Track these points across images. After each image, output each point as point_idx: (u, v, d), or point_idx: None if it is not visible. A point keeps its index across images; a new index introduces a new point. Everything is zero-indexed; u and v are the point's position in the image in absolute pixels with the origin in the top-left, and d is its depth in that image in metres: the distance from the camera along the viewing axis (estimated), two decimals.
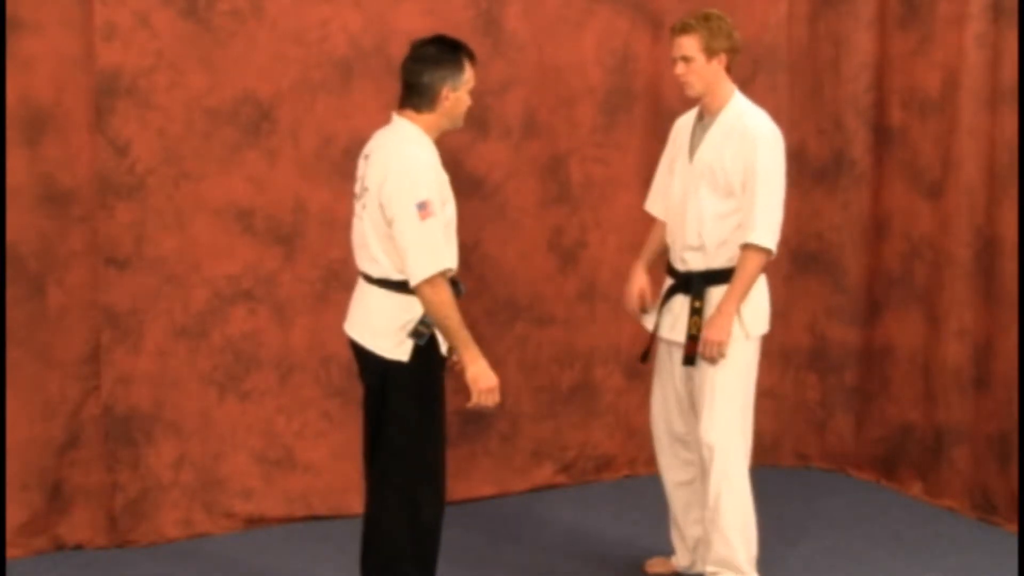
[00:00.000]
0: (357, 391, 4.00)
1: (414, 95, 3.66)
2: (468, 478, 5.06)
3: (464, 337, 3.60)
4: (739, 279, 3.94)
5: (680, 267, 4.09)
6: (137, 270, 4.52)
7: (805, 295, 5.52)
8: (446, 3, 4.88)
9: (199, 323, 4.64)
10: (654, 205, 4.30)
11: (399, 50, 4.76)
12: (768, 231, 3.93)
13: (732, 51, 4.02)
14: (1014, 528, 4.72)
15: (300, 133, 4.69)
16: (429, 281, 3.53)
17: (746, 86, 5.43)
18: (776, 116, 5.42)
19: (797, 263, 5.52)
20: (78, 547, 4.55)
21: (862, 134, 5.32)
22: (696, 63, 3.97)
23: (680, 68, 4.00)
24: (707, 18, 3.98)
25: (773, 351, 5.56)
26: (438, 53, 3.66)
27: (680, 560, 4.34)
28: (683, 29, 3.98)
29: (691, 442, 4.17)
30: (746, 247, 3.94)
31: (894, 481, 5.31)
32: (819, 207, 5.44)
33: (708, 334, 3.95)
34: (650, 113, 5.24)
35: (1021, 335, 4.71)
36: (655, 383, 4.26)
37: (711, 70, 3.99)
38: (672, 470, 4.25)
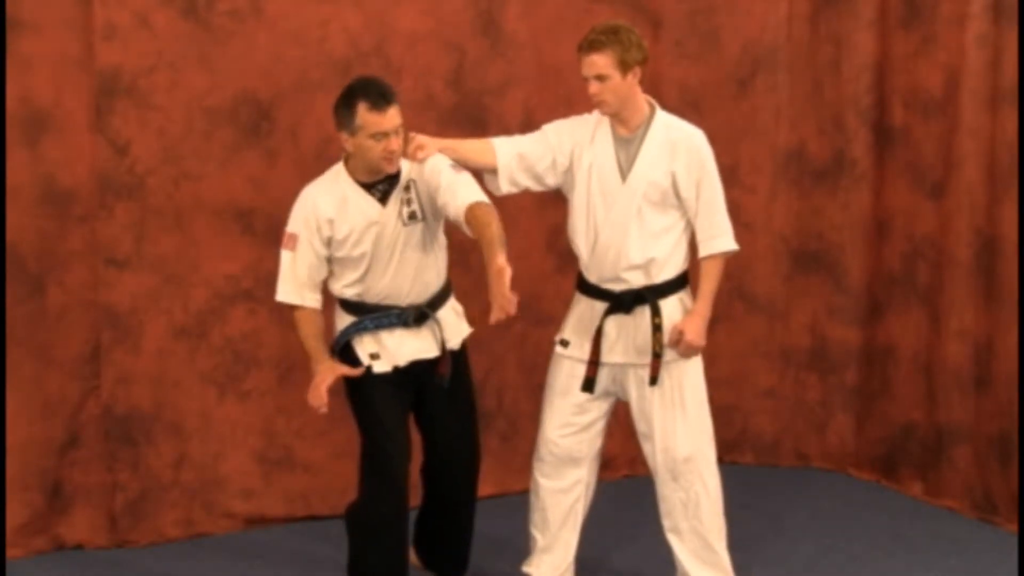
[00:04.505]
0: None
1: None
2: None
3: (308, 350, 3.94)
4: (713, 283, 3.87)
5: (617, 287, 3.89)
6: (137, 270, 4.52)
7: (805, 295, 5.51)
8: (446, 3, 4.87)
9: (199, 323, 4.64)
10: (507, 180, 4.00)
11: (399, 50, 4.81)
12: (731, 233, 3.91)
13: (644, 62, 3.77)
14: (1014, 528, 4.71)
15: (300, 133, 4.70)
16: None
17: (746, 86, 5.47)
18: (776, 116, 5.48)
19: (797, 263, 5.51)
20: (78, 547, 4.56)
21: (863, 134, 5.31)
22: (612, 81, 3.72)
23: (594, 87, 3.73)
24: (616, 31, 3.74)
25: (773, 351, 5.57)
26: (337, 101, 3.75)
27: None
28: (593, 46, 3.72)
29: (582, 459, 4.07)
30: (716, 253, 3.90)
31: (894, 481, 5.30)
32: (820, 207, 5.44)
33: (691, 337, 3.84)
34: None
35: (1021, 335, 4.70)
36: (567, 408, 4.06)
37: (627, 85, 3.75)
38: (560, 491, 4.10)
